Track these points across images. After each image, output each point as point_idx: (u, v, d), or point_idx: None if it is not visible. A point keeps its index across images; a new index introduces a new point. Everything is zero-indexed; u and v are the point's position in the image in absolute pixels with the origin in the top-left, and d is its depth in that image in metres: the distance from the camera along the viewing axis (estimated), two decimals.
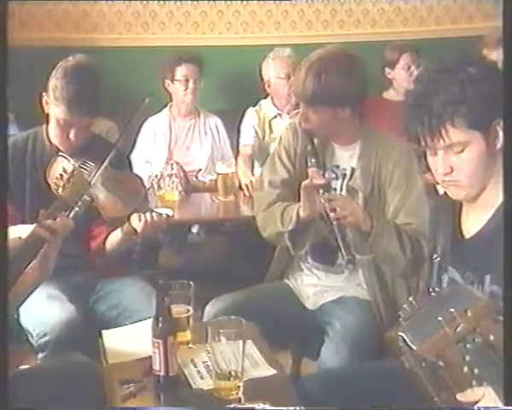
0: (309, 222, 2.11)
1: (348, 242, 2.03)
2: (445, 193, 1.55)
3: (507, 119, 1.36)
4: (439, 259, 1.59)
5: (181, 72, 3.40)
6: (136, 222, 2.14)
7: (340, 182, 2.17)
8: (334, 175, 2.17)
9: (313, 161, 2.10)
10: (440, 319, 1.33)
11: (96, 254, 2.27)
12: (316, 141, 2.16)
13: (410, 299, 1.49)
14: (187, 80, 3.41)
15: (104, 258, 2.26)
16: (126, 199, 2.08)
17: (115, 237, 2.23)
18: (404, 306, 1.48)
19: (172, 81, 3.43)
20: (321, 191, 2.02)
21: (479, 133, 1.42)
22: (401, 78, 3.57)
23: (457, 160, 1.45)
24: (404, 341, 1.40)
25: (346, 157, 2.18)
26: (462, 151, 1.43)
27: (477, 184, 1.47)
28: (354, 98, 2.09)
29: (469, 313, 1.31)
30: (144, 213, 2.12)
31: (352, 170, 2.15)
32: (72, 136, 2.17)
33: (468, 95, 1.39)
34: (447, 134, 1.41)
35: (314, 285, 2.24)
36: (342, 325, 2.06)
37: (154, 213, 2.14)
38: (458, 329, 1.31)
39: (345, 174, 2.16)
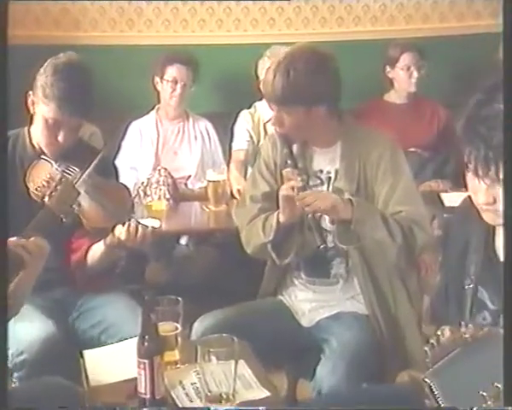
0: (291, 228, 2.14)
1: (322, 228, 2.08)
2: (478, 214, 1.51)
3: (507, 118, 1.36)
4: (472, 285, 1.57)
5: (171, 72, 3.42)
6: (121, 234, 2.15)
7: (325, 187, 2.20)
8: (318, 181, 2.20)
9: (289, 162, 2.14)
10: (485, 394, 1.28)
11: (77, 268, 2.27)
12: (295, 147, 2.20)
13: (439, 333, 1.45)
14: (175, 82, 3.42)
15: (85, 272, 2.26)
16: (111, 209, 2.09)
17: (97, 249, 2.23)
18: (432, 341, 1.44)
19: (161, 80, 3.45)
20: (296, 191, 2.05)
21: None
22: (400, 78, 3.59)
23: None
24: (431, 390, 1.36)
25: (328, 160, 2.21)
26: None
27: None
28: (328, 96, 2.11)
29: None
30: (129, 225, 2.12)
31: (336, 171, 2.18)
32: (60, 138, 2.16)
33: None
34: (499, 171, 1.38)
35: (309, 301, 2.26)
36: (339, 343, 2.08)
37: (140, 225, 2.14)
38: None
39: (330, 177, 2.20)
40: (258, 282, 2.35)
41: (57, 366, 1.91)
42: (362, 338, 2.09)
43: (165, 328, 1.76)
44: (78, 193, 1.94)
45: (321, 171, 2.21)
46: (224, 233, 3.18)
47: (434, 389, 1.36)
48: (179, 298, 1.82)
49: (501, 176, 1.39)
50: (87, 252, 2.25)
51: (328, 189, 2.19)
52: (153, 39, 3.76)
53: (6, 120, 1.49)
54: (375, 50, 3.68)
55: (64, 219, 1.84)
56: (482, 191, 1.45)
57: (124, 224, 2.13)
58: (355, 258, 2.17)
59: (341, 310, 2.21)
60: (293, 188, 2.07)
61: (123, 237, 2.13)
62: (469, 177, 1.47)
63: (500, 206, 1.44)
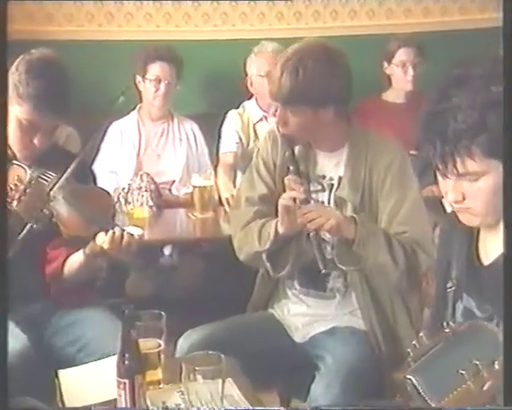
0: (289, 239, 2.14)
1: (325, 251, 2.06)
2: (455, 216, 1.55)
3: (507, 117, 1.37)
4: (454, 288, 1.60)
5: (154, 70, 3.42)
6: (104, 242, 2.13)
7: (327, 194, 2.19)
8: (320, 187, 2.20)
9: (291, 168, 2.13)
10: (463, 373, 1.31)
11: (52, 281, 2.25)
12: (297, 148, 2.19)
13: (421, 334, 1.49)
14: (159, 81, 3.42)
15: (61, 285, 2.25)
16: (92, 216, 2.09)
17: (76, 260, 2.22)
18: (414, 342, 1.48)
19: (143, 79, 3.45)
20: (298, 203, 2.04)
21: (498, 162, 1.40)
22: (396, 76, 3.61)
23: (470, 187, 1.45)
24: (414, 386, 1.40)
25: (332, 165, 2.20)
26: (476, 180, 1.43)
27: (494, 211, 1.46)
28: (338, 97, 2.11)
29: (497, 366, 1.29)
30: (114, 232, 2.11)
31: (340, 179, 2.17)
32: (36, 140, 2.15)
33: (489, 121, 1.37)
34: (462, 164, 1.41)
35: (303, 315, 2.25)
36: (335, 359, 2.08)
37: (125, 233, 2.13)
38: (485, 387, 1.29)
39: (332, 184, 2.19)
40: (248, 294, 2.35)
41: (30, 386, 1.90)
42: (359, 355, 2.09)
43: (147, 345, 1.75)
44: (50, 197, 1.93)
45: (323, 177, 2.21)
46: (211, 242, 3.19)
47: (417, 386, 1.39)
48: (162, 312, 1.81)
49: (460, 170, 1.41)
50: (64, 263, 2.24)
51: (329, 197, 2.19)
52: (133, 34, 3.76)
53: (6, 122, 1.49)
54: (372, 46, 3.70)
55: (34, 226, 1.83)
56: (449, 189, 1.47)
57: (106, 231, 2.12)
58: (354, 274, 2.17)
59: (337, 325, 2.21)
60: (294, 199, 2.06)
61: (106, 245, 2.11)
62: (438, 175, 1.49)
63: (471, 203, 1.46)
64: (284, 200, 2.08)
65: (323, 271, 2.03)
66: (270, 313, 2.31)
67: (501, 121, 1.36)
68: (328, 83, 2.07)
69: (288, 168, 2.15)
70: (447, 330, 1.48)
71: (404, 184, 2.12)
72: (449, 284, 1.61)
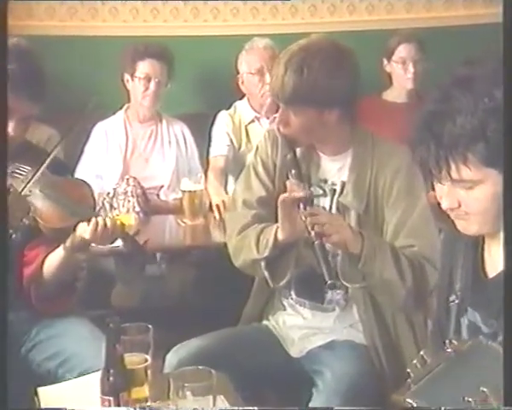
0: (290, 246, 2.12)
1: (331, 263, 2.04)
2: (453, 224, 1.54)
3: (507, 116, 1.36)
4: (457, 301, 1.59)
5: (143, 67, 3.41)
6: (85, 232, 2.12)
7: (328, 199, 2.19)
8: (321, 191, 2.19)
9: (293, 172, 2.12)
10: (470, 400, 1.30)
11: (32, 284, 2.24)
12: (299, 151, 2.18)
13: (422, 353, 1.48)
14: (148, 80, 3.41)
15: (42, 288, 2.23)
16: (71, 207, 2.10)
17: (56, 257, 2.21)
18: (414, 362, 1.47)
19: (132, 77, 3.44)
20: (301, 206, 2.03)
21: (495, 171, 1.39)
22: (396, 73, 3.61)
23: (466, 195, 1.44)
24: None
25: (336, 169, 2.20)
26: (471, 188, 1.42)
27: (492, 220, 1.46)
28: (344, 98, 2.11)
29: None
30: (97, 221, 2.11)
31: (343, 184, 2.17)
32: (10, 129, 2.14)
33: (489, 129, 1.36)
34: (456, 170, 1.40)
35: (299, 327, 2.25)
36: (334, 375, 2.07)
37: (107, 219, 2.13)
38: None
39: (334, 190, 2.18)
40: (241, 305, 2.35)
41: (7, 405, 1.89)
42: (359, 370, 2.09)
43: (133, 360, 1.74)
44: (29, 206, 1.94)
45: (325, 181, 2.21)
46: (202, 250, 3.19)
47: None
48: (149, 325, 1.80)
49: (454, 176, 1.41)
50: (43, 262, 2.23)
51: (331, 203, 2.18)
52: (119, 30, 3.76)
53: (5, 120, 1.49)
54: (371, 43, 3.70)
55: (13, 235, 1.83)
56: (444, 194, 1.46)
57: (88, 221, 2.12)
58: (357, 288, 2.16)
59: (336, 338, 2.21)
60: (298, 200, 2.04)
61: (87, 235, 2.11)
62: (434, 180, 1.49)
63: (467, 210, 1.45)
64: (286, 201, 2.05)
65: (329, 282, 1.99)
66: (264, 326, 2.30)
67: (501, 129, 1.35)
68: (335, 83, 2.06)
69: (290, 172, 2.14)
70: (449, 350, 1.47)
71: (412, 192, 2.11)
72: (452, 298, 1.61)
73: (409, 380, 1.44)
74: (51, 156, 2.04)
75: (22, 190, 1.96)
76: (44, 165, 2.02)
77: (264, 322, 2.31)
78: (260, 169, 2.25)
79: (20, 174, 1.99)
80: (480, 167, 1.39)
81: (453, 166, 1.39)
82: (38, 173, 1.99)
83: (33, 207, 1.99)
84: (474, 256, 1.58)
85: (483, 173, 1.40)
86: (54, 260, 2.22)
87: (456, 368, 1.41)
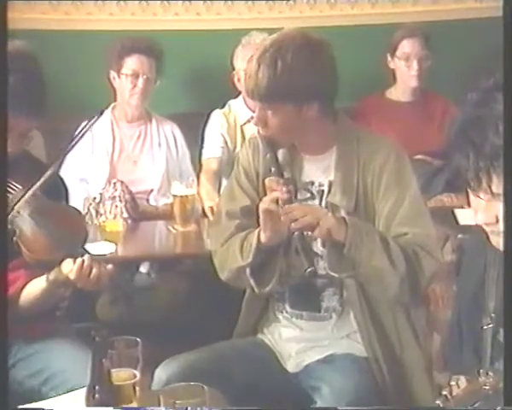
0: (275, 251, 2.15)
1: (311, 249, 2.07)
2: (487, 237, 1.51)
3: (506, 114, 1.37)
4: (492, 325, 1.58)
5: (130, 64, 3.42)
6: (71, 271, 2.11)
7: (317, 201, 2.21)
8: (309, 194, 2.22)
9: (273, 170, 2.15)
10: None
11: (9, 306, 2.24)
12: (281, 152, 2.21)
13: (453, 383, 1.44)
14: (136, 76, 3.42)
15: (17, 313, 2.20)
16: (60, 239, 2.09)
17: (37, 286, 2.19)
18: (445, 393, 1.44)
19: (119, 74, 3.45)
20: (281, 204, 2.05)
21: None
22: (401, 70, 3.62)
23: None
24: None
25: (321, 169, 2.22)
26: None
27: None
28: (322, 92, 2.13)
29: None
30: (83, 261, 2.10)
31: (330, 184, 2.19)
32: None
33: None
34: (498, 183, 1.38)
35: (296, 340, 2.26)
36: (333, 390, 2.08)
37: (95, 263, 2.13)
38: None
39: (322, 191, 2.21)
40: (235, 318, 2.35)
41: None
42: (360, 385, 2.09)
43: (121, 376, 1.75)
44: (14, 229, 1.93)
45: (312, 183, 2.23)
46: (194, 259, 3.19)
47: None
48: (138, 339, 1.82)
49: (495, 190, 1.38)
50: (22, 289, 2.20)
51: (320, 204, 2.21)
52: (105, 24, 3.76)
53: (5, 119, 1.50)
54: (374, 38, 3.72)
55: None
56: (481, 208, 1.44)
57: (75, 259, 2.11)
58: (351, 288, 2.18)
59: (335, 352, 2.21)
60: (277, 200, 2.07)
61: (72, 275, 2.11)
62: (469, 191, 1.47)
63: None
64: (265, 203, 2.09)
65: (308, 269, 2.03)
66: (259, 339, 2.31)
67: None
68: (311, 76, 2.09)
69: (270, 170, 2.17)
70: (487, 387, 1.43)
71: (401, 182, 2.14)
72: (485, 320, 1.58)
73: None
74: (46, 175, 2.02)
75: (10, 210, 1.94)
76: (39, 183, 2.00)
77: (259, 335, 2.32)
78: (243, 178, 2.28)
79: (10, 192, 1.97)
80: None
81: (495, 179, 1.37)
82: (31, 192, 1.97)
83: (19, 231, 1.98)
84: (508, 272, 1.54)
85: None
86: (34, 288, 2.19)
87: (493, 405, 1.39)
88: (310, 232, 2.07)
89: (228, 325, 2.36)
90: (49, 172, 2.06)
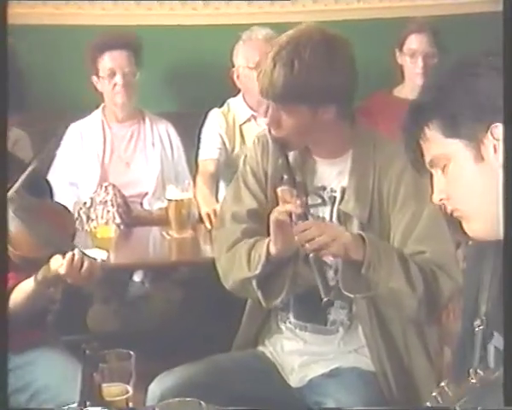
0: (284, 262, 2.14)
1: (329, 278, 2.06)
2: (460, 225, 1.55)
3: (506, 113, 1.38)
4: (482, 327, 1.58)
5: (104, 64, 3.42)
6: (60, 266, 2.13)
7: (328, 208, 2.21)
8: (320, 200, 2.21)
9: (285, 178, 2.14)
10: None
11: None
12: (292, 155, 2.20)
13: (443, 384, 1.48)
14: (113, 74, 3.42)
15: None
16: (47, 235, 2.10)
17: (25, 288, 2.21)
18: (434, 394, 1.47)
19: (98, 77, 3.45)
20: (294, 219, 2.04)
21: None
22: (407, 67, 3.62)
23: (446, 181, 1.47)
24: None
25: (335, 174, 2.22)
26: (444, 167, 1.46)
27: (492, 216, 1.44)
28: (340, 94, 2.12)
29: None
30: (73, 255, 2.11)
31: (343, 190, 2.19)
32: None
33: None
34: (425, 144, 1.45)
35: (299, 353, 2.26)
36: (338, 406, 2.07)
37: (86, 257, 2.14)
38: None
39: (334, 197, 2.20)
40: (234, 329, 2.35)
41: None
42: (367, 401, 2.09)
43: (113, 391, 1.75)
44: None
45: (323, 188, 2.22)
46: (190, 267, 3.19)
47: None
48: (131, 352, 1.81)
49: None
50: (10, 292, 2.21)
51: (331, 212, 2.20)
52: (99, 19, 3.75)
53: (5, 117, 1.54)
54: (382, 33, 3.72)
55: None
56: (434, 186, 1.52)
57: (64, 254, 2.12)
58: (361, 303, 2.17)
59: (341, 365, 2.21)
60: (290, 214, 2.06)
61: (62, 270, 2.12)
62: None
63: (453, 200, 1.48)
64: (277, 214, 2.09)
65: (325, 299, 2.01)
66: (259, 351, 2.31)
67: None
68: (329, 77, 2.08)
69: (282, 178, 2.16)
70: (474, 381, 1.47)
71: (419, 194, 2.11)
72: (477, 322, 1.60)
73: None
74: (27, 172, 2.03)
75: None
76: (20, 180, 2.01)
77: (260, 348, 2.31)
78: (250, 179, 2.27)
79: None
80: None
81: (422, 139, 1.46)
82: (12, 191, 1.99)
83: None
84: (500, 269, 1.55)
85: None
86: (22, 291, 2.21)
87: (482, 402, 1.41)
88: (326, 253, 2.06)
89: (226, 337, 2.35)
90: (30, 168, 2.06)
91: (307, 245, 2.03)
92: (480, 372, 1.48)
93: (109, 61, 3.42)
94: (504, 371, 1.33)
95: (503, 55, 1.44)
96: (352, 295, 2.12)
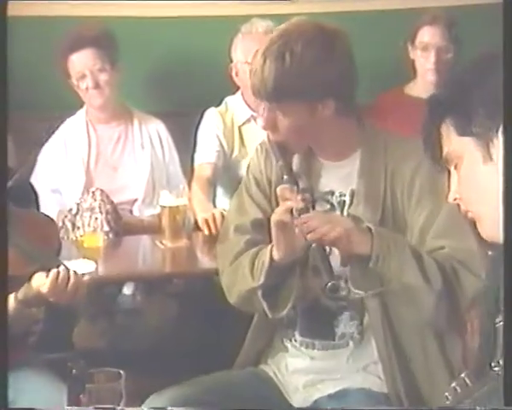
0: (289, 271, 2.14)
1: (330, 263, 2.06)
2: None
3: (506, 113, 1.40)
4: (502, 322, 1.60)
5: (74, 67, 3.41)
6: (43, 285, 2.13)
7: (338, 213, 2.20)
8: (328, 205, 2.22)
9: (285, 177, 2.15)
10: None
11: None
12: (295, 158, 2.21)
13: (463, 376, 1.52)
14: (83, 76, 3.41)
15: None
16: (30, 250, 2.10)
17: None
18: (453, 385, 1.51)
19: (73, 81, 3.44)
20: (295, 214, 2.05)
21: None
22: (419, 62, 3.62)
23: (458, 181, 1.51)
24: None
25: (342, 177, 2.22)
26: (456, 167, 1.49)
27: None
28: (338, 87, 2.12)
29: None
30: (58, 272, 2.12)
31: (353, 193, 2.19)
32: None
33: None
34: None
35: (305, 372, 2.25)
36: None
37: (71, 273, 2.14)
38: None
39: (343, 201, 2.21)
40: (234, 346, 2.35)
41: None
42: None
43: None
44: None
45: (331, 192, 2.23)
46: (186, 279, 3.19)
47: None
48: (121, 371, 1.81)
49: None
50: None
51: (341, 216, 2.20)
52: (89, 9, 3.74)
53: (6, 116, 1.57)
54: (392, 25, 3.73)
55: None
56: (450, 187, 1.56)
57: (48, 271, 2.12)
58: (374, 313, 2.16)
59: (349, 386, 2.20)
60: (291, 211, 2.07)
61: (45, 288, 2.12)
62: None
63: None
64: (277, 214, 2.09)
65: (330, 283, 2.02)
66: (260, 370, 2.30)
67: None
68: (324, 70, 2.08)
69: (282, 178, 2.17)
70: (496, 369, 1.49)
71: (436, 189, 2.08)
72: (498, 318, 1.61)
73: (447, 402, 1.49)
74: (12, 180, 2.04)
75: None
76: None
77: (262, 366, 2.31)
78: (254, 189, 2.28)
79: None
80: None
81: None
82: None
83: None
84: None
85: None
86: None
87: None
88: (329, 245, 2.07)
89: (224, 355, 2.36)
90: (15, 177, 2.07)
91: (309, 236, 2.04)
92: (501, 363, 1.50)
93: (77, 63, 3.42)
94: (504, 371, 1.36)
95: (503, 55, 1.46)
96: (363, 293, 2.11)
